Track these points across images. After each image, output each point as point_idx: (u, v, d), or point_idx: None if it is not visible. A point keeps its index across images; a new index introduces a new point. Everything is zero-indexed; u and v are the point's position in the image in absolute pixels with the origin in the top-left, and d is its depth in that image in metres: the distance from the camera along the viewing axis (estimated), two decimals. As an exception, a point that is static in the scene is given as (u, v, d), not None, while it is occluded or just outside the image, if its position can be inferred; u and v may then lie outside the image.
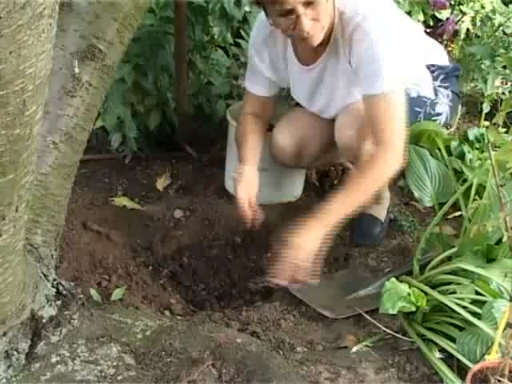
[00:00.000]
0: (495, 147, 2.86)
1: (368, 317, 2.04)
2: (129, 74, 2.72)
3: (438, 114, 2.40)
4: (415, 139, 2.38)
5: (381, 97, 2.05)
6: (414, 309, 1.92)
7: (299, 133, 2.48)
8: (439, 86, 2.41)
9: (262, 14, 2.16)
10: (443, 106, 2.41)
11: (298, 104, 2.54)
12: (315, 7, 1.98)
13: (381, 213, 2.54)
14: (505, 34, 3.27)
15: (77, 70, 1.75)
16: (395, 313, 1.91)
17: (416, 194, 2.27)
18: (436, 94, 2.40)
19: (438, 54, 2.49)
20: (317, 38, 2.08)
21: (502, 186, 1.51)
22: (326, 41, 2.16)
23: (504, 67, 3.03)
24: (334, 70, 2.24)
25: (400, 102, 2.08)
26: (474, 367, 1.63)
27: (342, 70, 2.21)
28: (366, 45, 2.06)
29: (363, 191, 2.04)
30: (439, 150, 2.58)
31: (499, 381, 1.55)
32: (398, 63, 2.08)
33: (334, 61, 2.21)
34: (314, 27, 2.03)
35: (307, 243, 1.97)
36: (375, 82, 2.05)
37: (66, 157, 1.78)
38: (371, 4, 2.12)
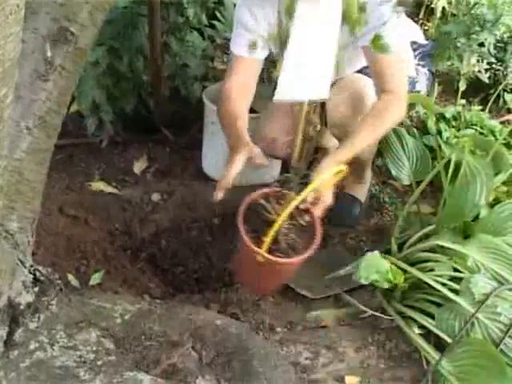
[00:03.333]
0: (472, 125, 2.88)
1: (347, 296, 2.06)
2: (103, 57, 2.68)
3: (417, 92, 2.39)
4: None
5: None
6: (387, 286, 1.93)
7: (289, 121, 2.27)
8: (417, 65, 2.41)
9: None
10: (422, 85, 2.41)
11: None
12: None
13: (361, 193, 2.55)
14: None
15: (49, 54, 1.72)
16: (367, 283, 1.92)
17: (393, 173, 2.28)
18: (416, 73, 2.39)
19: (417, 32, 2.48)
20: None
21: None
22: None
23: (479, 45, 3.04)
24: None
25: (405, 58, 2.13)
26: (251, 195, 1.74)
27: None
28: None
29: (373, 132, 2.02)
30: (416, 128, 2.60)
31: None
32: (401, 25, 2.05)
33: None
34: None
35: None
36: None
37: (40, 142, 1.76)
38: None
